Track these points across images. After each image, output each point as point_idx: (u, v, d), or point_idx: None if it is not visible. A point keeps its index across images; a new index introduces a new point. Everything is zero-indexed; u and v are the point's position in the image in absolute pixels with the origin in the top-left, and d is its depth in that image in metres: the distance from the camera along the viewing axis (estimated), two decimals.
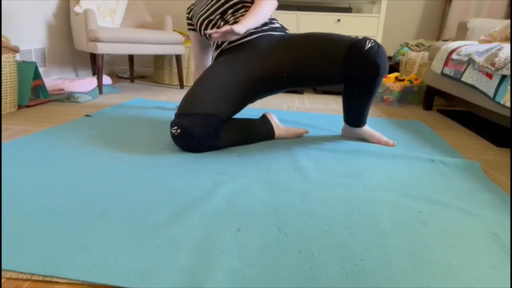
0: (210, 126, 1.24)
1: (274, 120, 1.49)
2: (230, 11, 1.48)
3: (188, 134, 1.22)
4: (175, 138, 1.25)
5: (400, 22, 3.28)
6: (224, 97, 1.30)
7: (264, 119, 1.46)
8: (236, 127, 1.35)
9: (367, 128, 1.51)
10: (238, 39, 1.45)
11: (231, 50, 1.46)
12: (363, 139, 1.52)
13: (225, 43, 1.48)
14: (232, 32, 1.24)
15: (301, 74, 1.36)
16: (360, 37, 1.30)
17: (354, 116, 1.46)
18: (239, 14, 1.47)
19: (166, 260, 0.67)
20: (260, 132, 1.42)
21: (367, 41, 1.27)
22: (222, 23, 1.49)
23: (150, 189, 0.97)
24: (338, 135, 1.59)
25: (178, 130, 1.22)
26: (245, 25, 1.28)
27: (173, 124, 1.25)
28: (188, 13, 1.70)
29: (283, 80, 1.39)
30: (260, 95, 1.44)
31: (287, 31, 1.53)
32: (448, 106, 2.53)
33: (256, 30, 1.45)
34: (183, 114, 1.25)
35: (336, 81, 1.35)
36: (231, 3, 1.48)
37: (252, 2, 1.49)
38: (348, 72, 1.30)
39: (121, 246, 0.70)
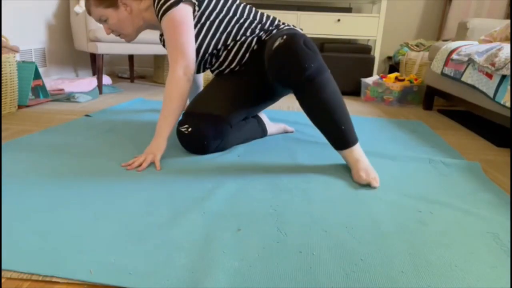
0: (221, 129, 1.22)
1: (265, 119, 1.52)
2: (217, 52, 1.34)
3: (200, 134, 1.19)
4: (184, 136, 1.21)
5: (400, 22, 3.28)
6: (236, 103, 1.27)
7: (258, 119, 1.49)
8: (238, 130, 1.34)
9: (351, 152, 1.11)
10: (232, 68, 1.34)
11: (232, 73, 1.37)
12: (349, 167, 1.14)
13: (226, 71, 1.36)
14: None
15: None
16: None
17: (327, 135, 1.14)
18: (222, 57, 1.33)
19: (166, 260, 0.67)
20: (256, 132, 1.45)
21: (279, 38, 1.08)
22: (214, 59, 1.35)
23: (150, 189, 0.97)
24: None
25: (189, 129, 1.19)
26: (161, 144, 1.16)
27: (182, 122, 1.21)
28: (163, 45, 1.47)
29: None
30: (264, 104, 1.40)
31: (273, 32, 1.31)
32: (448, 106, 2.53)
33: (243, 57, 1.31)
34: (194, 113, 1.22)
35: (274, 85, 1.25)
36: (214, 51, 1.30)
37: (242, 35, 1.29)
38: (273, 74, 1.12)
39: (121, 246, 0.70)
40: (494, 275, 0.67)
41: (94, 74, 2.88)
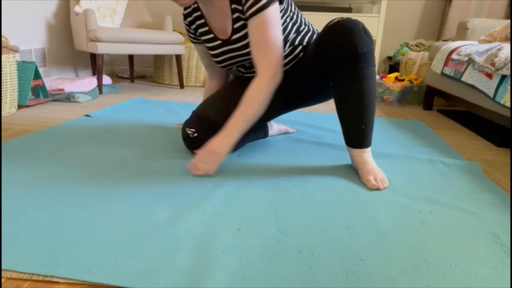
0: None
1: (269, 122, 1.51)
2: None
3: (205, 142, 1.16)
4: (189, 139, 1.20)
5: (400, 22, 3.28)
6: None
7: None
8: (242, 136, 1.32)
9: (361, 153, 1.13)
10: None
11: None
12: (356, 168, 1.15)
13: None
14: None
15: (301, 85, 1.24)
16: None
17: (346, 128, 1.13)
18: None
19: (166, 260, 0.67)
20: (259, 135, 1.45)
21: (338, 17, 1.08)
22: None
23: (150, 189, 0.97)
24: (338, 135, 1.59)
25: (195, 134, 1.18)
26: (229, 145, 1.08)
27: (190, 124, 1.19)
28: (188, 25, 1.28)
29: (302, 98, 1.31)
30: (278, 114, 1.36)
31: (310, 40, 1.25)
32: (448, 106, 2.53)
33: (288, 64, 1.23)
34: (204, 118, 1.18)
35: (316, 72, 1.18)
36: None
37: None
38: (321, 61, 1.10)
39: (121, 246, 0.70)
40: (494, 275, 0.67)
41: (94, 74, 2.88)
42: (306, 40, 1.23)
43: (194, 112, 1.23)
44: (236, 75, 1.41)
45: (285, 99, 1.28)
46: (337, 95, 1.10)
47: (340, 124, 1.14)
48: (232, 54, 1.21)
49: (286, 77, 1.25)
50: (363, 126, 1.08)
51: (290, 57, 1.22)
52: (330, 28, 1.05)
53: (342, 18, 1.06)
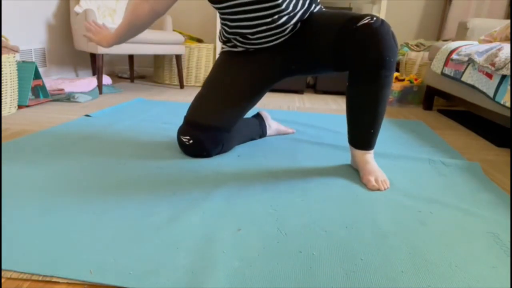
0: (221, 138, 1.21)
1: (268, 121, 1.50)
2: None
3: (201, 146, 1.18)
4: (185, 146, 1.20)
5: (400, 22, 3.28)
6: (237, 109, 1.22)
7: (260, 120, 1.47)
8: (237, 132, 1.32)
9: (363, 154, 1.13)
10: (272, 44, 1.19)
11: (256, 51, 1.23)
12: (356, 168, 1.16)
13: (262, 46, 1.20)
14: None
15: (305, 59, 1.18)
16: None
17: (354, 129, 1.13)
18: None
19: (166, 260, 0.67)
20: (255, 134, 1.45)
21: (366, 16, 1.00)
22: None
23: (150, 189, 0.97)
24: (338, 135, 1.59)
25: (191, 141, 1.18)
26: None
27: (184, 132, 1.19)
28: None
29: (290, 73, 1.26)
30: (264, 93, 1.31)
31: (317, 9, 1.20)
32: (448, 106, 2.53)
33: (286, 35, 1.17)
34: (196, 124, 1.18)
35: (332, 67, 1.13)
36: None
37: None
38: (341, 57, 1.05)
39: (121, 246, 0.70)
40: (494, 275, 0.67)
41: (94, 74, 2.88)
42: (313, 5, 1.17)
43: (185, 118, 1.22)
44: (221, 60, 1.28)
45: (287, 61, 1.21)
46: (351, 96, 1.09)
47: (347, 123, 1.13)
48: None
49: (294, 39, 1.17)
50: (372, 130, 1.09)
51: (298, 26, 1.15)
52: (360, 28, 0.99)
53: (372, 18, 1.00)
